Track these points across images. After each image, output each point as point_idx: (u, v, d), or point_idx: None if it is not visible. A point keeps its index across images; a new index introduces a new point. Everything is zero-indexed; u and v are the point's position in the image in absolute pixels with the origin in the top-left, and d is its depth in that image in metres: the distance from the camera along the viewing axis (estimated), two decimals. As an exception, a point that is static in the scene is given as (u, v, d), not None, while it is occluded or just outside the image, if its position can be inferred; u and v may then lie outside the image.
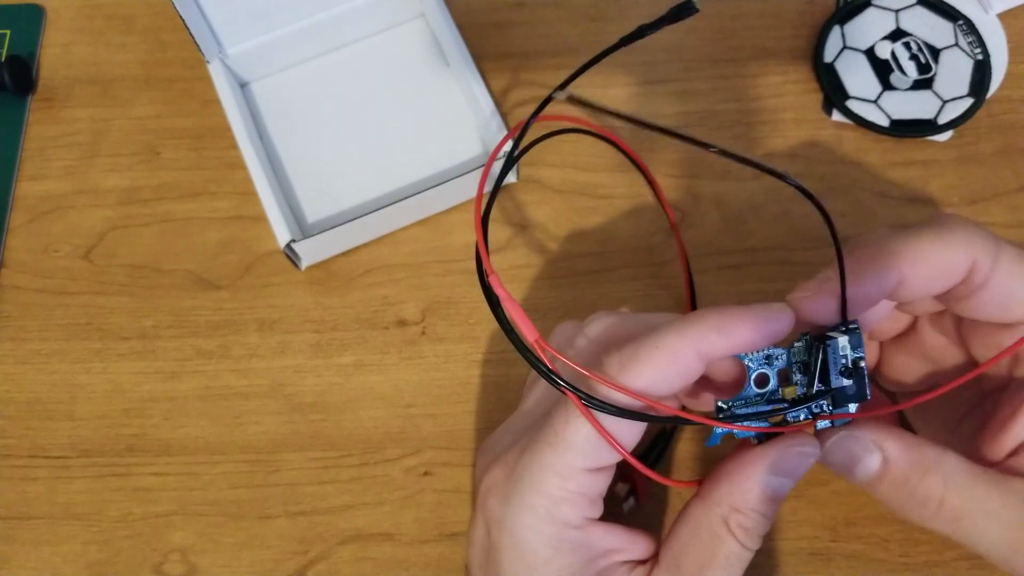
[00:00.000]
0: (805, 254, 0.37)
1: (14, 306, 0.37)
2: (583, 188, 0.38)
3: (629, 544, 0.27)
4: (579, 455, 0.25)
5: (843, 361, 0.25)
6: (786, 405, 0.25)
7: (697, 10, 0.27)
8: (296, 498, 0.34)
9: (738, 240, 0.37)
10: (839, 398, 0.25)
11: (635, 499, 0.31)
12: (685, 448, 0.34)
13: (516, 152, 0.29)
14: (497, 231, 0.38)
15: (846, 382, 0.25)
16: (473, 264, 0.37)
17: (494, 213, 0.38)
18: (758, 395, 0.26)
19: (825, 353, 0.25)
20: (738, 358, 0.25)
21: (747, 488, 0.25)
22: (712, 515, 0.26)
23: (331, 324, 0.36)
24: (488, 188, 0.28)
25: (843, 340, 0.25)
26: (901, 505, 0.25)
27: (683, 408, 0.29)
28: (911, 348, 0.31)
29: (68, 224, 0.38)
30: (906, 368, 0.31)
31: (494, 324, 0.36)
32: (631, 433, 0.25)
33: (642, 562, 0.27)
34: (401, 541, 0.33)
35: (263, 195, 0.36)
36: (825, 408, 0.25)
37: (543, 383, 0.28)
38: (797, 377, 0.26)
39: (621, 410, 0.24)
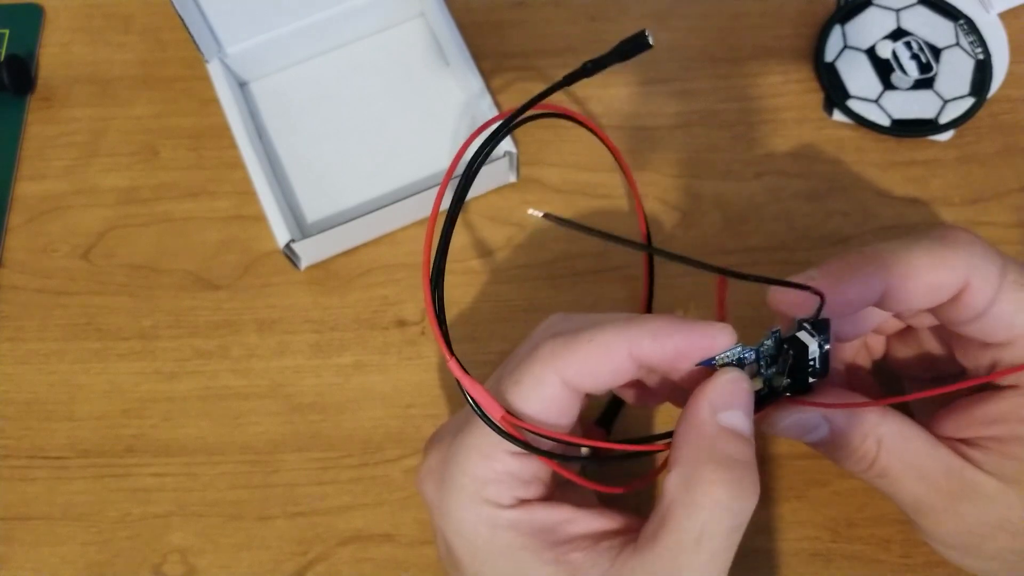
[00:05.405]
0: (806, 254, 0.37)
1: (13, 306, 0.37)
2: (583, 188, 0.38)
3: (577, 515, 0.26)
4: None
5: (812, 363, 0.26)
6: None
7: (651, 46, 0.26)
8: (295, 499, 0.34)
9: (738, 240, 0.37)
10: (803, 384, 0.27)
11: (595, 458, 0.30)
12: (641, 411, 0.34)
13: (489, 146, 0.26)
14: (497, 231, 0.38)
15: (813, 380, 0.26)
16: (473, 264, 0.37)
17: (495, 212, 0.38)
18: None
19: (795, 359, 0.26)
20: (707, 365, 0.25)
21: (708, 440, 0.24)
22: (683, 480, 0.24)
23: (330, 324, 0.36)
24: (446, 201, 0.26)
25: (812, 347, 0.25)
26: (840, 461, 0.28)
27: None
28: (912, 344, 0.31)
29: (67, 224, 0.38)
30: (909, 360, 0.31)
31: (494, 324, 0.36)
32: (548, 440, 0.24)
33: (616, 534, 0.26)
34: (401, 542, 0.33)
35: (262, 195, 0.36)
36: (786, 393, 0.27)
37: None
38: (764, 371, 0.26)
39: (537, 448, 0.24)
